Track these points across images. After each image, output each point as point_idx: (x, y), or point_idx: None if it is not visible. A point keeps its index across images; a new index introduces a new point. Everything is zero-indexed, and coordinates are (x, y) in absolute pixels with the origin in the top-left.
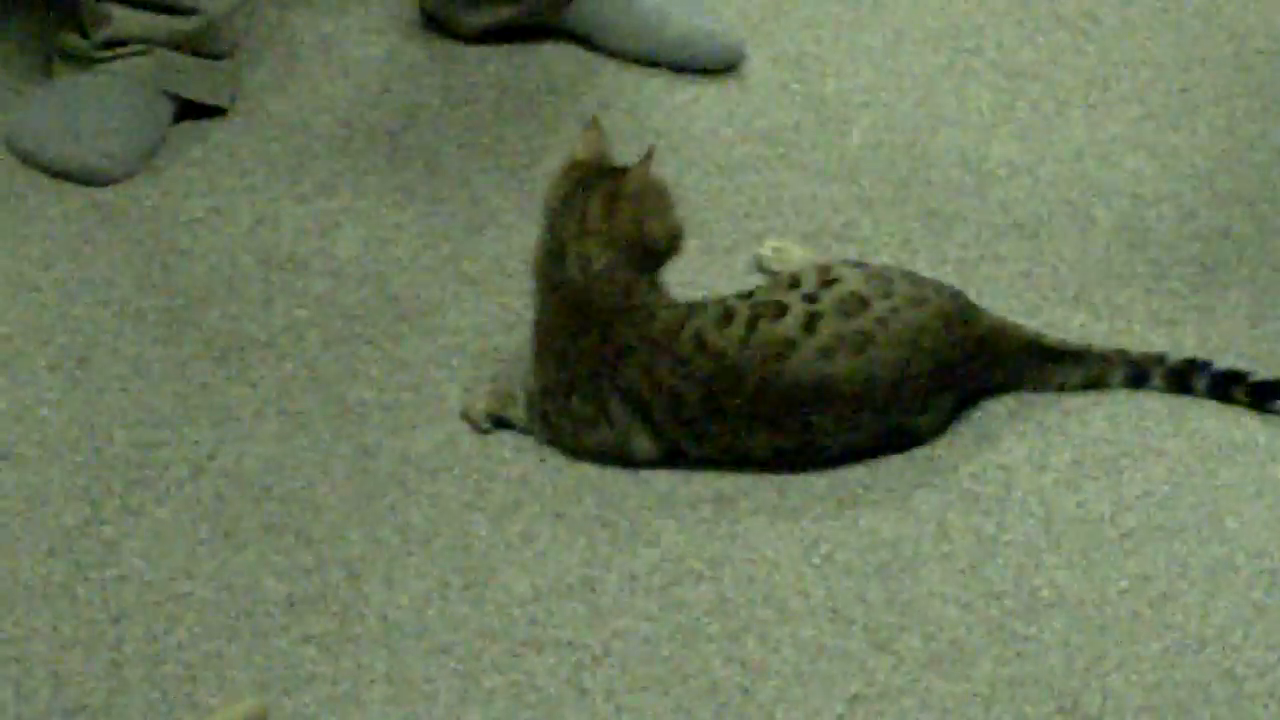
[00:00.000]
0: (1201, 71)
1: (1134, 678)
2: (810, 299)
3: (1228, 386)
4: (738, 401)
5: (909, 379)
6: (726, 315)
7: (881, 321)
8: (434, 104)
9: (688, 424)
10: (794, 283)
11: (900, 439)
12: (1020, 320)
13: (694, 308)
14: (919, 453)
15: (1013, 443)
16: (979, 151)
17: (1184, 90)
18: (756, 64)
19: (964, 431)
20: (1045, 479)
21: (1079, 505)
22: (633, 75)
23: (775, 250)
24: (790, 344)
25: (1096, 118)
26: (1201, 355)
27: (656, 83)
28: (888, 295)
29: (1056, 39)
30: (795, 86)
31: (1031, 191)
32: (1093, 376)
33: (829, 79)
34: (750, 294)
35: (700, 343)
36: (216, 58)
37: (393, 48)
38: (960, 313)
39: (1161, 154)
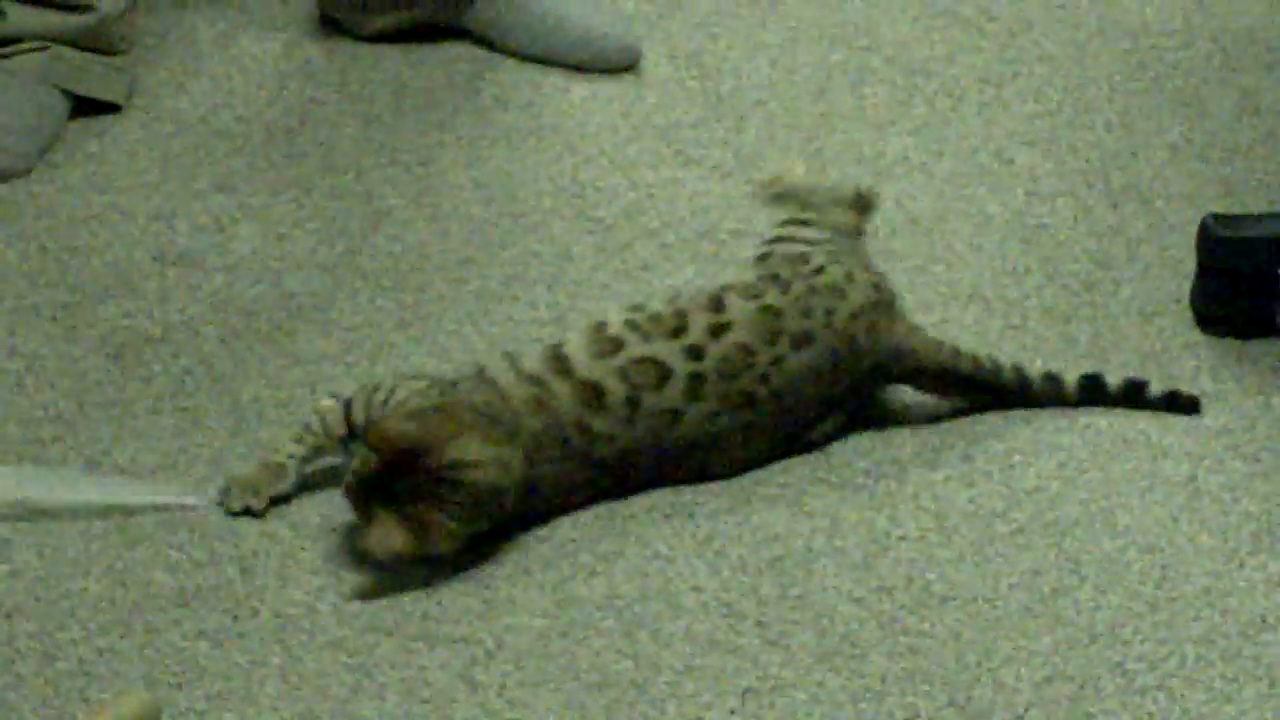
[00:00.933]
0: (1096, 68)
1: (1025, 671)
2: (695, 354)
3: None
4: (632, 470)
5: (799, 411)
6: (596, 394)
7: (765, 379)
8: (331, 101)
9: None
10: (678, 329)
11: (794, 445)
12: (918, 317)
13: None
14: (811, 448)
15: (905, 438)
16: (875, 148)
17: (1079, 86)
18: (654, 61)
19: (856, 427)
20: (937, 474)
21: (971, 500)
22: (529, 72)
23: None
24: (676, 414)
25: (991, 114)
26: (1094, 351)
27: (553, 79)
28: (775, 339)
29: (952, 36)
30: (692, 84)
31: (926, 187)
32: (996, 400)
33: (726, 77)
34: (619, 344)
35: (585, 430)
36: (112, 54)
37: (290, 45)
38: (853, 342)
39: (1056, 150)
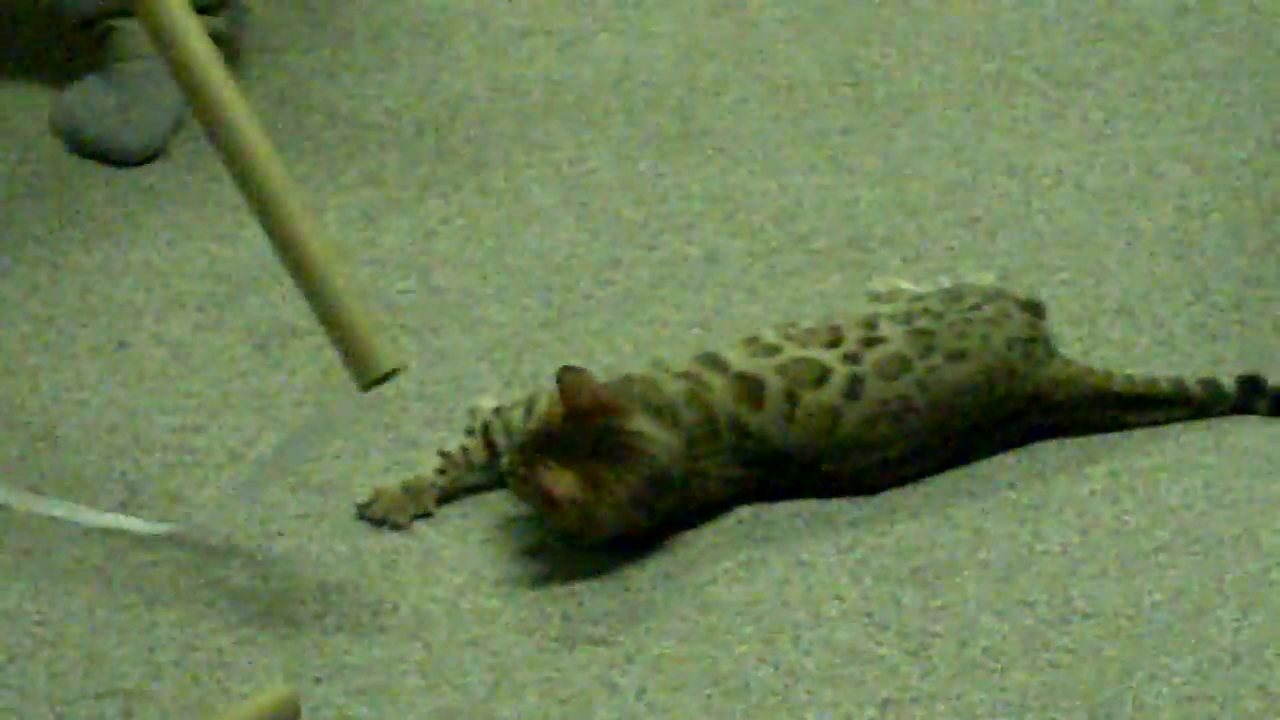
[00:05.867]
0: (1250, 84)
1: (1166, 690)
2: (853, 359)
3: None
4: (784, 473)
5: (955, 429)
6: (754, 388)
7: (922, 387)
8: (482, 98)
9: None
10: (833, 341)
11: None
12: (1064, 331)
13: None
14: (956, 460)
15: (1051, 453)
16: (1025, 159)
17: (1232, 103)
18: (805, 67)
19: (1000, 437)
20: (1083, 489)
21: (1115, 516)
22: (681, 74)
23: (883, 283)
24: (835, 414)
25: (1144, 129)
26: (1241, 369)
27: (705, 82)
28: (929, 353)
29: (1106, 48)
30: (844, 90)
31: (1077, 201)
32: (1159, 419)
33: (878, 84)
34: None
35: (741, 426)
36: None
37: (441, 41)
38: (1010, 366)
39: (1208, 166)
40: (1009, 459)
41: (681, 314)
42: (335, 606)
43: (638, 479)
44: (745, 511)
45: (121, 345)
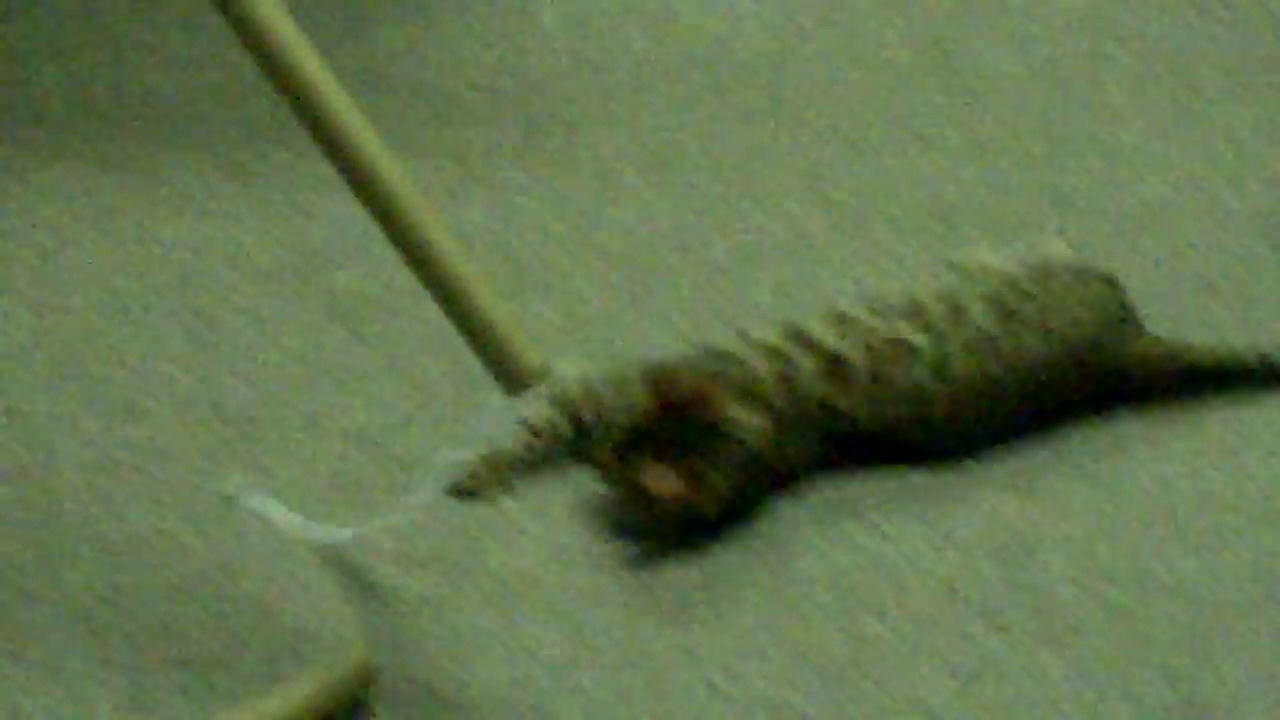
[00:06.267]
0: None
1: (1250, 664)
2: (940, 338)
3: None
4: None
5: (1043, 405)
6: (841, 368)
7: (1010, 366)
8: (568, 73)
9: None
10: (916, 312)
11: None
12: (1148, 307)
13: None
14: (1037, 431)
15: (1132, 424)
16: (1111, 135)
17: None
18: (892, 44)
19: (1082, 411)
20: (1164, 463)
21: (1196, 489)
22: (769, 52)
23: (964, 255)
24: (923, 394)
25: (1229, 105)
26: None
27: (793, 59)
28: (1016, 331)
29: (1192, 24)
30: (931, 67)
31: (1164, 178)
32: (1243, 390)
33: (964, 61)
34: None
35: (829, 408)
36: None
37: (524, 17)
38: (1095, 340)
39: None
40: (1091, 432)
41: (765, 289)
42: (415, 577)
43: (734, 468)
44: (824, 480)
45: (202, 317)
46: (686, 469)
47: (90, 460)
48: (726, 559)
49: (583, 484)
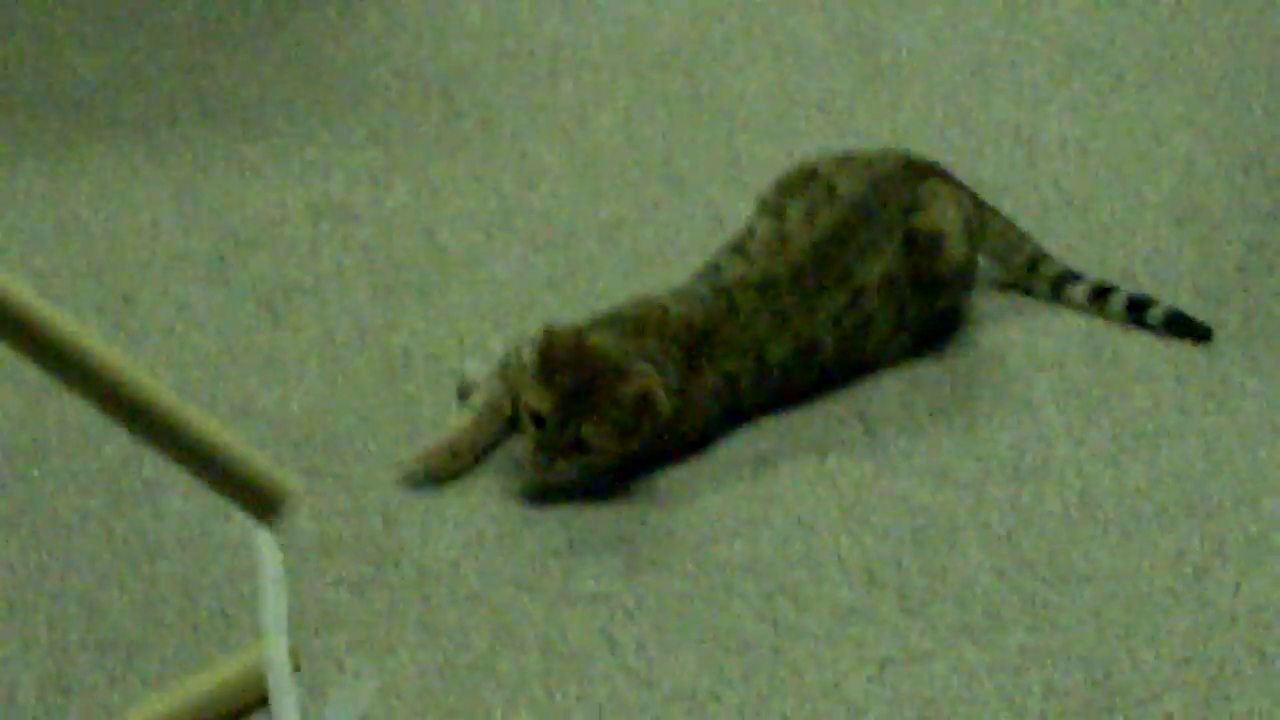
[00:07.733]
0: (1257, 52)
1: (1165, 651)
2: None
3: (1141, 310)
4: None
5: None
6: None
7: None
8: (489, 59)
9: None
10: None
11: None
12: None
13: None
14: (958, 421)
15: (1053, 414)
16: (1031, 125)
17: (1238, 71)
18: (811, 31)
19: (1004, 402)
20: (1083, 452)
21: (1116, 479)
22: (688, 39)
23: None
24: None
25: (1149, 95)
26: (1244, 334)
27: (711, 46)
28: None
29: (1113, 16)
30: (849, 55)
31: (1082, 167)
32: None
33: (884, 49)
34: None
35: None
36: None
37: (449, 2)
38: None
39: (1213, 134)
40: (1010, 420)
41: (685, 273)
42: (336, 560)
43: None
44: (746, 470)
45: (127, 301)
46: (615, 419)
47: (13, 442)
48: (647, 546)
49: (502, 468)
